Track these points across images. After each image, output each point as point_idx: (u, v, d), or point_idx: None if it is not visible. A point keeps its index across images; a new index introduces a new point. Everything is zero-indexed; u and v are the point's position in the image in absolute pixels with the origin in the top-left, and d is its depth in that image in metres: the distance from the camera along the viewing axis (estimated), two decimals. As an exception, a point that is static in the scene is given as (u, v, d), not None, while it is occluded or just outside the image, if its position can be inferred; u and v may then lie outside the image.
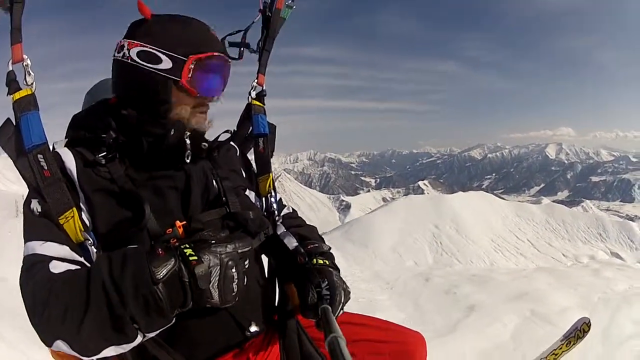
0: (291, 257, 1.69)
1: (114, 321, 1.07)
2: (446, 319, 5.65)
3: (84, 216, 1.34)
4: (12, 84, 1.35)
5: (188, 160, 1.50)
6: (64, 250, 1.25)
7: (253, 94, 1.92)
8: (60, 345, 1.10)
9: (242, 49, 1.81)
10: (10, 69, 1.35)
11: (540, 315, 5.40)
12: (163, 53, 1.41)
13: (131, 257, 1.12)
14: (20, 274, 1.22)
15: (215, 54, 1.48)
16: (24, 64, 1.35)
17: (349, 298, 1.57)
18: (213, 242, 1.21)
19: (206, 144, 1.55)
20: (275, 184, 1.90)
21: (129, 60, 1.42)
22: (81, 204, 1.36)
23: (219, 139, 1.71)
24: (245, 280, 1.24)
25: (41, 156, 1.30)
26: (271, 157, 1.89)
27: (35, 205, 1.30)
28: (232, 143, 1.82)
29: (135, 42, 1.42)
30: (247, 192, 1.76)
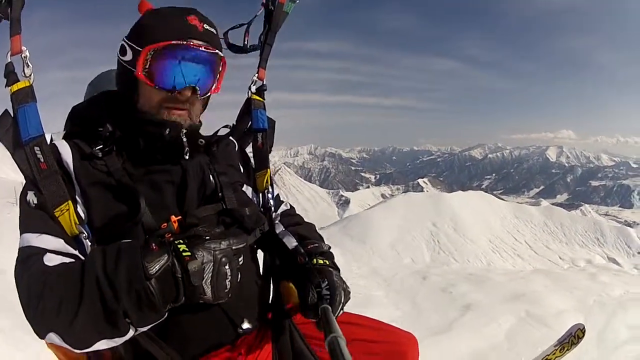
0: (291, 257, 1.69)
1: (107, 315, 1.06)
2: (442, 318, 5.67)
3: (79, 209, 1.34)
4: (11, 76, 1.34)
5: (187, 157, 1.50)
6: (58, 243, 1.25)
7: (253, 89, 1.89)
8: (53, 337, 1.10)
9: (245, 43, 1.80)
10: (9, 60, 1.34)
11: (535, 316, 5.42)
12: (128, 45, 1.44)
13: (125, 251, 1.12)
14: (15, 266, 1.22)
15: (176, 42, 1.39)
16: (23, 55, 1.35)
17: (349, 298, 1.57)
18: (207, 238, 1.20)
19: (203, 140, 1.54)
20: (275, 177, 1.89)
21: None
22: (77, 197, 1.36)
23: (218, 134, 1.70)
24: (239, 277, 1.23)
25: (38, 148, 1.29)
26: (269, 152, 1.88)
27: (31, 197, 1.30)
28: (231, 138, 1.81)
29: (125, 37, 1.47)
30: (245, 188, 1.75)
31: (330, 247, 1.74)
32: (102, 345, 1.11)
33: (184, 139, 1.48)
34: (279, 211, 1.92)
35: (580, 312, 5.76)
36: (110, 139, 1.43)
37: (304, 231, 1.81)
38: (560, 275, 8.95)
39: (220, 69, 1.54)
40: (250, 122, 1.89)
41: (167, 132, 1.43)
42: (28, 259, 1.20)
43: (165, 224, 1.35)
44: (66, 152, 1.39)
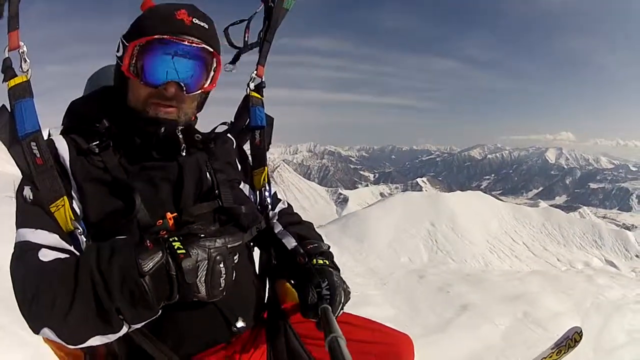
0: (290, 257, 1.69)
1: (100, 311, 1.07)
2: (438, 317, 5.66)
3: (74, 205, 1.34)
4: (8, 71, 1.34)
5: (184, 154, 1.51)
6: (54, 239, 1.25)
7: (252, 86, 1.88)
8: (48, 333, 1.10)
9: (246, 40, 1.80)
10: (7, 55, 1.34)
11: (532, 318, 5.42)
12: (121, 41, 1.46)
13: (119, 248, 1.12)
14: (11, 262, 1.22)
15: (159, 36, 1.38)
16: (20, 51, 1.34)
17: (349, 298, 1.57)
18: (202, 235, 1.19)
19: (200, 136, 1.54)
20: (274, 174, 1.89)
21: None
22: (73, 192, 1.36)
23: (216, 131, 1.70)
24: (234, 275, 1.23)
25: (34, 144, 1.30)
26: (267, 150, 1.88)
27: (27, 193, 1.30)
28: (229, 135, 1.81)
29: None
30: (242, 186, 1.75)
31: (329, 247, 1.74)
32: (95, 341, 1.12)
33: (180, 136, 1.48)
34: (277, 210, 1.92)
35: (577, 314, 5.76)
36: (107, 135, 1.44)
37: (303, 231, 1.81)
38: (557, 277, 8.94)
39: (215, 65, 1.52)
40: (248, 120, 1.89)
41: (161, 130, 1.43)
42: (23, 254, 1.21)
43: (161, 221, 1.35)
44: (63, 147, 1.39)
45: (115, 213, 1.35)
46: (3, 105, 1.33)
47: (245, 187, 1.78)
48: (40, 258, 1.18)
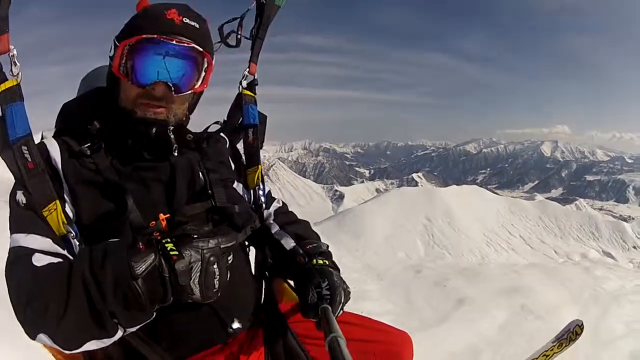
0: (289, 257, 1.67)
1: (94, 316, 1.06)
2: (435, 312, 5.66)
3: (67, 208, 1.34)
4: None
5: (176, 154, 1.50)
6: (47, 243, 1.24)
7: (244, 83, 1.87)
8: (43, 338, 1.10)
9: (239, 36, 1.79)
10: None
11: (529, 310, 5.43)
12: (113, 41, 1.45)
13: (112, 251, 1.11)
14: (5, 267, 1.21)
15: (147, 36, 1.37)
16: (10, 54, 1.33)
17: (349, 298, 1.57)
18: (195, 236, 1.18)
19: (192, 136, 1.53)
20: (269, 172, 1.88)
21: None
22: (65, 195, 1.35)
23: (209, 130, 1.69)
24: (229, 275, 1.22)
25: (25, 148, 1.29)
26: (261, 148, 1.87)
27: (20, 197, 1.29)
28: (222, 134, 1.80)
29: None
30: (235, 185, 1.74)
31: (328, 246, 1.74)
32: (91, 345, 1.11)
33: (172, 136, 1.47)
34: (272, 209, 1.91)
35: (574, 306, 5.78)
36: (99, 136, 1.43)
37: (301, 230, 1.80)
38: (555, 269, 8.94)
39: (206, 65, 1.51)
40: (241, 118, 1.88)
41: (153, 130, 1.42)
42: (17, 259, 1.20)
43: (154, 222, 1.33)
44: (54, 150, 1.38)
45: (107, 215, 1.34)
46: None
47: (238, 186, 1.76)
48: (34, 263, 1.17)
